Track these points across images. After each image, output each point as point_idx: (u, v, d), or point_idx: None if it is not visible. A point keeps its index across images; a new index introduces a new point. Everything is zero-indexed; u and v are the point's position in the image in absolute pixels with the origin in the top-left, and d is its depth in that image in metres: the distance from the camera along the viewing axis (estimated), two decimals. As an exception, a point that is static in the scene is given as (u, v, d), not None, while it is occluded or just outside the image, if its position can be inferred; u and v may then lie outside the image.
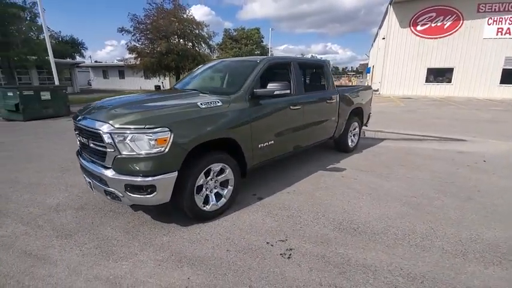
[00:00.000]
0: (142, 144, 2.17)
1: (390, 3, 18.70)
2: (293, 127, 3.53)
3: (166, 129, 2.21)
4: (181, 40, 24.48)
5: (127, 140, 2.15)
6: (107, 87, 31.49)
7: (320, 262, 2.07)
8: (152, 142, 2.17)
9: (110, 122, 2.20)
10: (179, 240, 2.35)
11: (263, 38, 38.06)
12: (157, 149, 2.19)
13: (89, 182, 2.53)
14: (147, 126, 2.16)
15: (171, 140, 2.22)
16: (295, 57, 3.91)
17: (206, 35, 24.87)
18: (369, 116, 5.59)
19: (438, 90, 18.74)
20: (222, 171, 2.71)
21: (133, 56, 23.23)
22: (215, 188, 2.73)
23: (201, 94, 3.00)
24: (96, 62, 43.05)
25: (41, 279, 1.90)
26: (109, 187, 2.29)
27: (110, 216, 2.76)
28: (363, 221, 2.66)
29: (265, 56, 3.40)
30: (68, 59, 33.31)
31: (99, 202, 3.05)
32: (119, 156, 2.20)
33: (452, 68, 18.26)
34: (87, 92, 26.33)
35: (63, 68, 29.90)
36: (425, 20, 18.26)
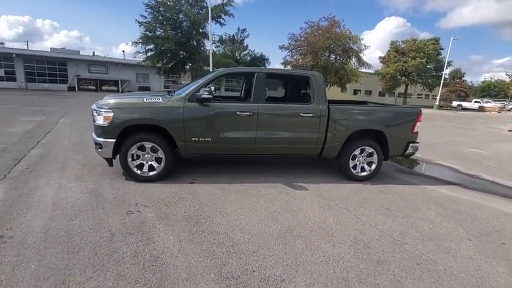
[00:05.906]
0: (100, 118, 3.59)
1: None
2: (241, 131, 3.83)
3: (110, 111, 3.51)
4: (331, 55, 25.31)
5: (96, 114, 3.65)
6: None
7: (133, 220, 2.66)
8: (103, 117, 3.55)
9: (96, 103, 3.79)
10: (107, 183, 3.61)
11: (442, 49, 31.20)
12: (105, 123, 3.54)
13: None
14: (102, 108, 3.56)
15: (111, 118, 3.50)
16: (262, 69, 4.06)
17: (357, 49, 24.24)
18: (407, 145, 4.32)
19: None
20: (156, 150, 3.69)
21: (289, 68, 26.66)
22: (151, 161, 3.75)
23: (165, 94, 4.07)
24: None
25: (47, 175, 3.77)
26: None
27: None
28: (216, 222, 2.79)
29: (223, 68, 3.95)
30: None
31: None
32: (94, 124, 3.75)
33: None
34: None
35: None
36: None
